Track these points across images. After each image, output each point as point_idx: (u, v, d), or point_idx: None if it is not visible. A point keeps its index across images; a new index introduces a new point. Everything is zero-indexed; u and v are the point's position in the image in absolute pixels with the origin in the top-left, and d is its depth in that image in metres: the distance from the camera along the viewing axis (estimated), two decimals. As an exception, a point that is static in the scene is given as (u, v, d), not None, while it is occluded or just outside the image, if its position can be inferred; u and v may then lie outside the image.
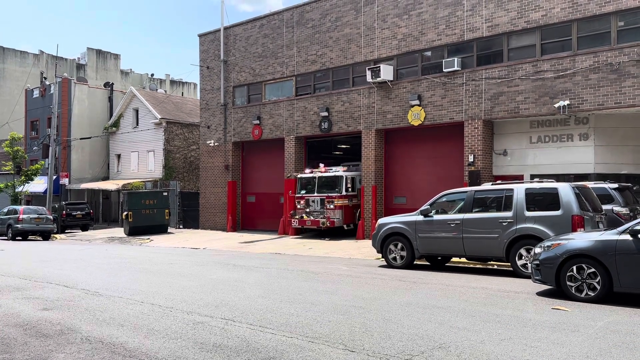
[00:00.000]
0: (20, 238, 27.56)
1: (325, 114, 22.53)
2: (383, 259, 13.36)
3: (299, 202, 21.73)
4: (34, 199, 38.84)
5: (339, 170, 21.21)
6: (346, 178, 20.93)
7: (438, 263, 13.27)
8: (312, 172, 21.67)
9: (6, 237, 27.79)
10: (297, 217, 21.63)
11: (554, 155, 17.28)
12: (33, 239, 28.18)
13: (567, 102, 16.12)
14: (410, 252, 12.51)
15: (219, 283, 10.33)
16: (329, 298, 8.52)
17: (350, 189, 21.17)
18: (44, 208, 29.88)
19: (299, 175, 22.20)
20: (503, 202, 11.31)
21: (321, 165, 21.78)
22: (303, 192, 21.78)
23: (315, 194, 21.19)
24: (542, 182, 11.54)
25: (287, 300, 8.30)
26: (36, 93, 42.67)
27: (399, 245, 12.70)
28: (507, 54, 17.76)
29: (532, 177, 16.52)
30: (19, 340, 6.02)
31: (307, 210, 21.35)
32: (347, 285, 10.10)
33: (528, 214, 10.88)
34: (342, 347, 5.59)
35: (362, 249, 17.20)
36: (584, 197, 10.88)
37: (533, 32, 17.17)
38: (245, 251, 18.46)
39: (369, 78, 20.45)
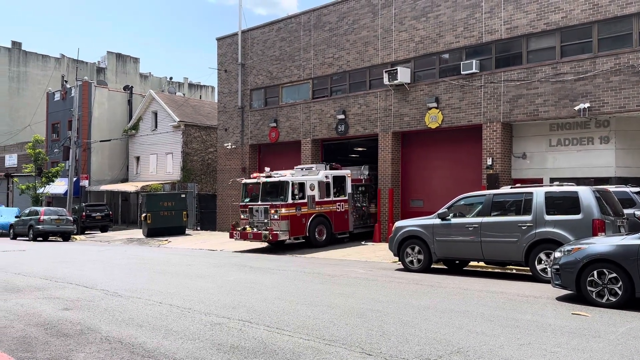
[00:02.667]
0: (41, 239, 28.00)
1: (342, 116, 22.53)
2: (400, 263, 13.30)
3: (243, 212, 19.17)
4: (55, 200, 39.44)
5: (285, 175, 18.80)
6: (292, 184, 18.26)
7: (456, 267, 13.17)
8: (257, 178, 19.26)
9: (27, 238, 28.27)
10: (239, 229, 18.95)
11: (574, 159, 17.06)
12: (53, 239, 28.61)
13: (587, 105, 15.90)
14: (428, 256, 12.43)
15: (236, 284, 10.38)
16: (345, 301, 8.51)
17: (298, 196, 18.42)
18: (64, 209, 30.32)
19: (243, 181, 19.90)
20: (522, 205, 11.18)
21: (266, 169, 19.83)
22: (247, 200, 19.30)
23: (259, 203, 18.63)
24: (562, 185, 11.39)
25: (303, 303, 8.31)
26: (57, 96, 43.38)
27: (416, 248, 12.63)
28: (526, 56, 17.58)
29: (552, 180, 16.33)
30: (40, 340, 6.11)
31: (251, 221, 18.74)
32: (363, 288, 10.07)
33: (548, 217, 10.74)
34: (359, 351, 5.58)
35: (379, 252, 17.15)
36: (605, 200, 10.71)
37: (553, 34, 16.98)
38: (261, 253, 18.52)
39: (385, 80, 20.41)
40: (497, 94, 17.99)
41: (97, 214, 33.28)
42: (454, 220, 12.11)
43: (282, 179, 18.41)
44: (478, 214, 11.82)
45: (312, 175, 19.27)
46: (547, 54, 17.15)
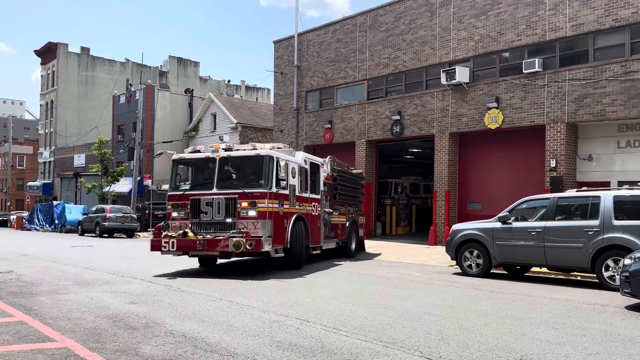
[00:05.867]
0: (107, 235, 29.32)
1: (397, 117, 22.35)
2: (457, 267, 13.04)
3: (176, 207, 12.02)
4: (119, 198, 41.21)
5: (262, 148, 12.00)
6: (278, 163, 11.70)
7: (516, 272, 12.78)
8: (207, 151, 12.32)
9: (94, 234, 29.67)
10: (172, 234, 11.59)
11: (645, 161, 16.19)
12: (118, 236, 29.88)
13: (660, 104, 15.05)
14: (487, 260, 12.13)
15: (291, 283, 10.49)
16: (401, 303, 8.44)
17: (281, 183, 11.74)
18: (129, 207, 31.64)
19: (177, 156, 12.56)
20: (589, 209, 10.72)
21: (224, 137, 13.60)
22: (185, 187, 12.24)
23: (215, 191, 11.58)
24: (632, 189, 10.84)
25: (359, 304, 8.30)
26: (122, 99, 45.34)
27: (475, 252, 12.35)
28: (593, 53, 16.86)
29: (620, 183, 15.56)
30: (109, 331, 6.40)
31: (196, 221, 11.68)
32: (419, 291, 9.95)
33: (616, 222, 10.25)
34: (418, 354, 5.52)
35: (434, 255, 16.89)
36: (680, 206, 10.11)
37: (622, 31, 16.19)
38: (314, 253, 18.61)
39: (443, 80, 20.09)
40: (561, 93, 17.33)
41: (159, 212, 34.50)
42: (516, 224, 11.76)
43: (261, 152, 11.65)
44: (541, 218, 11.43)
45: (289, 156, 12.81)
46: (616, 52, 16.36)
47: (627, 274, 8.26)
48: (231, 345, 5.79)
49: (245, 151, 12.00)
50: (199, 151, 12.45)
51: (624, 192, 10.69)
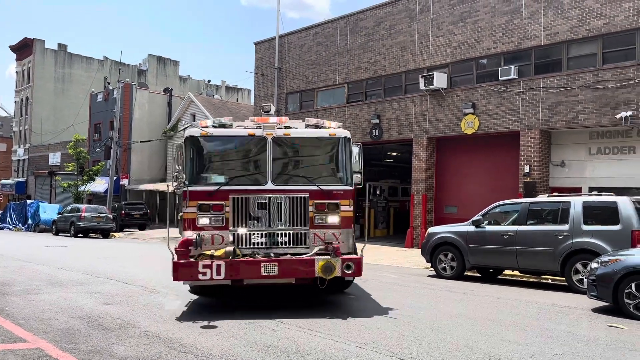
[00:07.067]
0: (82, 235, 28.90)
1: (377, 121, 22.55)
2: (432, 269, 13.24)
3: (205, 211, 7.97)
4: (95, 198, 40.68)
5: (335, 128, 8.60)
6: (351, 145, 8.64)
7: (489, 275, 13.02)
8: (246, 126, 8.47)
9: (69, 234, 29.23)
10: (213, 252, 7.63)
11: (614, 168, 16.63)
12: (93, 236, 29.50)
13: (629, 113, 15.50)
14: (461, 263, 12.34)
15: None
16: (377, 305, 8.56)
17: (355, 178, 8.66)
18: (105, 207, 31.25)
19: (199, 131, 8.43)
20: (559, 214, 11.00)
21: (271, 107, 9.34)
22: (217, 179, 8.25)
23: (272, 187, 8.03)
24: (600, 195, 11.16)
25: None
26: (100, 97, 44.77)
27: (449, 255, 12.56)
28: (567, 62, 17.27)
29: (591, 189, 15.95)
30: (82, 332, 6.39)
31: (244, 232, 7.91)
32: (395, 293, 10.10)
33: (585, 227, 10.54)
34: (389, 355, 5.64)
35: (410, 258, 17.09)
36: (646, 212, 10.44)
37: (594, 41, 16.62)
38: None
39: (421, 86, 20.34)
40: (535, 100, 17.71)
41: (135, 212, 34.15)
42: (489, 228, 12.01)
43: (337, 132, 8.47)
44: (514, 222, 11.69)
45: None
46: (588, 61, 16.80)
47: (593, 277, 8.52)
48: (205, 346, 5.83)
49: (313, 130, 8.50)
50: (224, 126, 8.32)
51: (593, 198, 11.00)
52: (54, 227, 31.39)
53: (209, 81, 63.34)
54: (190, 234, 7.80)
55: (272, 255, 7.69)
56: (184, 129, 8.49)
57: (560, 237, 10.78)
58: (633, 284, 7.96)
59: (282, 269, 7.51)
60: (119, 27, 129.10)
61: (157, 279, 11.06)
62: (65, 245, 21.22)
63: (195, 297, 8.93)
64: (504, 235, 11.59)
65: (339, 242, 8.03)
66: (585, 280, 9.84)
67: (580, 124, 16.72)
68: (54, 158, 50.37)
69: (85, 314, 7.39)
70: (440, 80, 19.99)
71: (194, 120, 37.62)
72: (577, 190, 16.32)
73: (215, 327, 6.73)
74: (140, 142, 38.97)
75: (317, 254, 7.71)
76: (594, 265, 8.72)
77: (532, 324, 7.42)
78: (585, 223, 10.58)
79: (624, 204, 10.30)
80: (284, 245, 7.92)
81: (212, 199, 7.89)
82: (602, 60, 16.46)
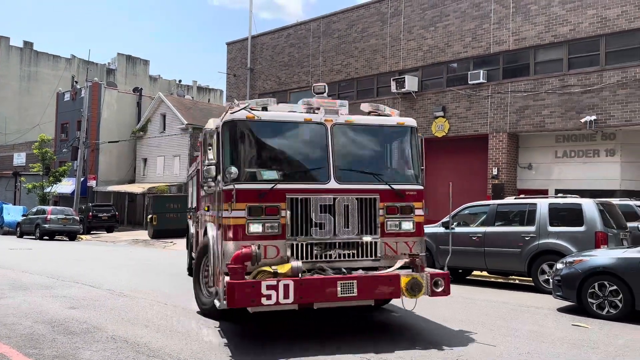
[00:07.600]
0: (47, 238, 28.20)
1: (349, 123, 22.64)
2: (403, 270, 13.33)
3: (256, 215, 6.20)
4: (62, 200, 39.72)
5: (401, 117, 7.48)
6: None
7: (459, 276, 13.20)
8: (298, 110, 6.96)
9: (34, 237, 28.48)
10: (276, 269, 5.96)
11: (579, 171, 17.09)
12: (59, 239, 28.81)
13: (593, 118, 15.96)
14: (431, 264, 12.45)
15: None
16: (344, 309, 8.57)
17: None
18: (71, 209, 30.54)
19: (245, 114, 6.47)
20: (526, 216, 11.23)
21: (325, 87, 7.69)
22: (269, 175, 6.51)
23: (335, 185, 6.48)
24: (566, 197, 11.45)
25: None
26: (67, 96, 43.76)
27: (420, 256, 12.66)
28: (534, 67, 17.68)
29: (557, 191, 16.35)
30: (47, 337, 6.23)
31: (303, 241, 6.28)
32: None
33: (551, 229, 10.79)
34: (360, 354, 5.66)
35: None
36: (608, 213, 10.75)
37: (560, 47, 17.07)
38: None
39: (393, 89, 20.54)
40: (503, 104, 18.07)
41: (103, 214, 33.48)
42: (458, 229, 12.18)
43: (406, 121, 7.30)
44: (482, 224, 11.88)
45: None
46: (555, 66, 17.23)
47: (559, 277, 8.72)
48: (174, 349, 5.75)
49: (377, 117, 7.28)
50: (266, 109, 6.73)
51: (559, 200, 11.27)
52: (18, 229, 30.54)
53: (180, 81, 62.61)
54: (232, 246, 6.11)
55: (344, 271, 6.20)
56: (226, 112, 6.64)
57: (527, 238, 11.00)
58: (596, 284, 8.18)
59: (360, 289, 6.01)
60: (87, 26, 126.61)
61: (125, 282, 10.86)
62: (30, 248, 20.67)
63: (165, 299, 8.80)
64: (473, 236, 11.77)
65: (417, 254, 6.72)
66: (551, 280, 10.07)
67: (546, 127, 17.13)
68: (19, 158, 49.02)
69: (50, 319, 7.20)
70: (411, 83, 20.21)
71: (164, 120, 37.09)
72: (543, 193, 16.72)
73: (184, 330, 6.64)
74: (109, 142, 38.24)
75: (402, 267, 6.44)
76: (559, 266, 8.93)
77: (500, 324, 7.55)
78: (551, 224, 10.83)
79: (589, 206, 10.58)
80: (350, 258, 6.44)
81: (264, 201, 6.24)
82: (567, 65, 16.91)
